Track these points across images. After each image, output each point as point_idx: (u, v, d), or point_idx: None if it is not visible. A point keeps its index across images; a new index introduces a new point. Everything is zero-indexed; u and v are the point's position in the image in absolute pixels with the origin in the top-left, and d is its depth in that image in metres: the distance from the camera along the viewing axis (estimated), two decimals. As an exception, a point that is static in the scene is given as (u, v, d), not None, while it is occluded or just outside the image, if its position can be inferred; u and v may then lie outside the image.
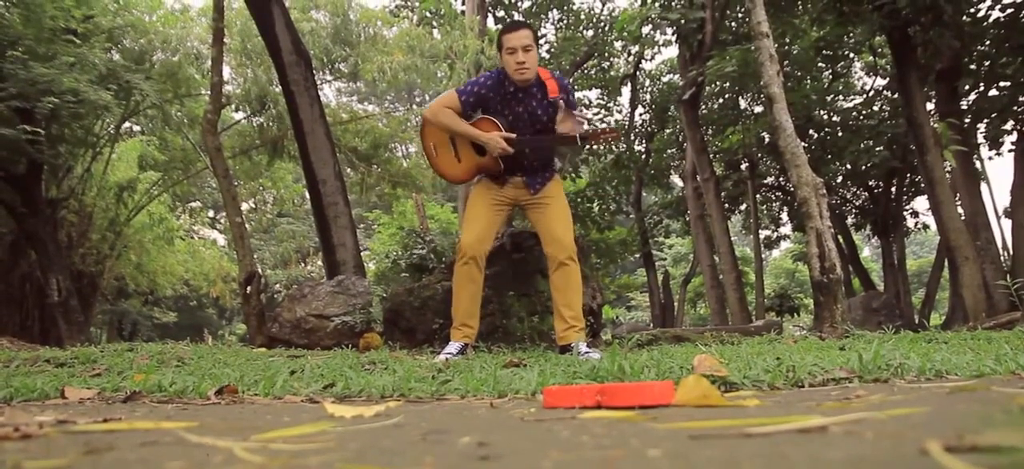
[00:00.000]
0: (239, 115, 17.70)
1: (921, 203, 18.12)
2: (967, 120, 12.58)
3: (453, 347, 3.84)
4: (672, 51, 17.73)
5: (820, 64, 15.69)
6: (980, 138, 13.83)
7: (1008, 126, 13.07)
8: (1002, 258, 11.38)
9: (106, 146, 12.96)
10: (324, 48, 17.96)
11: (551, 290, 4.07)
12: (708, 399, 1.27)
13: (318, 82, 11.13)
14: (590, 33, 20.62)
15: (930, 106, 11.44)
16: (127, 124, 14.14)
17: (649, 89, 20.52)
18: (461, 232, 4.15)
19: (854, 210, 18.74)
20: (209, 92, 9.78)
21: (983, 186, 13.45)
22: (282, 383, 2.16)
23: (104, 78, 9.75)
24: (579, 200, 19.33)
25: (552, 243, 4.01)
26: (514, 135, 3.92)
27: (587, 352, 3.66)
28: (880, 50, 14.48)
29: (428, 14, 15.28)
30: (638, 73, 19.91)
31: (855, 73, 17.63)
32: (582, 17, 20.78)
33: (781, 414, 1.09)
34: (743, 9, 13.71)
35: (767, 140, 15.99)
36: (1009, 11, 10.73)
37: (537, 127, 3.98)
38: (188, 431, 1.02)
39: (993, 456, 0.60)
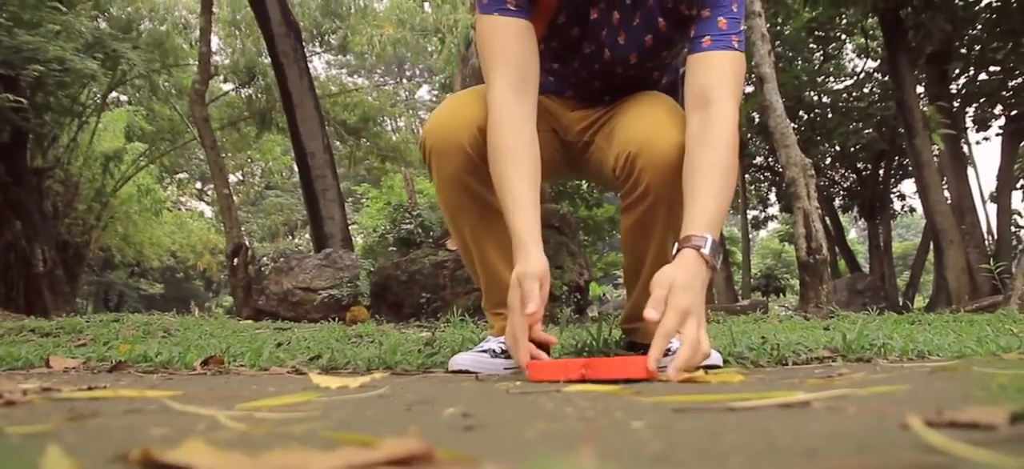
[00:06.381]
0: (227, 86, 17.57)
1: (908, 186, 18.22)
2: (956, 104, 12.64)
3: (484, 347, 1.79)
4: (664, 29, 17.56)
5: (811, 45, 15.66)
6: (968, 122, 13.90)
7: (997, 110, 13.14)
8: (986, 242, 11.49)
9: (92, 115, 12.82)
10: (314, 19, 17.85)
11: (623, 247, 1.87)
12: (692, 374, 1.28)
13: (307, 54, 11.04)
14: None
15: (920, 89, 11.48)
16: (114, 94, 13.99)
17: (641, 67, 20.44)
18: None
19: (842, 192, 18.82)
20: (197, 62, 9.69)
21: (970, 170, 13.56)
22: (268, 354, 2.16)
23: (90, 46, 9.63)
24: (568, 177, 19.25)
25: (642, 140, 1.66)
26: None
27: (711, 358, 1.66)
28: (872, 32, 14.48)
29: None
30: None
31: (846, 55, 17.62)
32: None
33: (764, 390, 1.10)
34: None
35: (757, 120, 15.99)
36: (1000, -5, 10.76)
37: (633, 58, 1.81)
38: (173, 400, 1.02)
39: (971, 432, 0.60)
